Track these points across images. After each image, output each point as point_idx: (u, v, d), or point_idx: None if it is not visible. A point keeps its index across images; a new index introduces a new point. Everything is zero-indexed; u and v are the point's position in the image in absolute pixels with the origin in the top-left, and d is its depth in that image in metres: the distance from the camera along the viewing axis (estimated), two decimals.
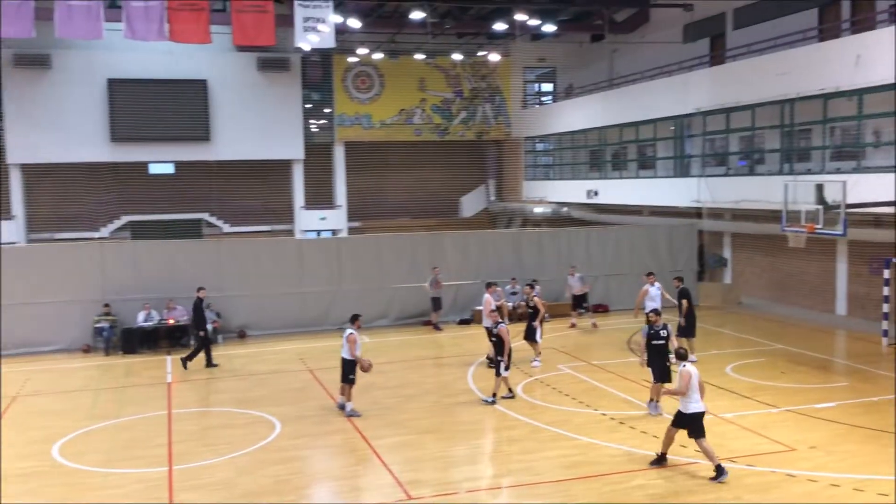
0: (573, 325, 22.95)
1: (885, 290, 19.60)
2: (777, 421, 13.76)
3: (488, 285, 19.85)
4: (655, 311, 14.60)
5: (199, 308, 18.94)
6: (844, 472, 11.30)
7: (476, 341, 20.15)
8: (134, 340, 20.88)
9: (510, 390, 15.52)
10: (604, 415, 14.33)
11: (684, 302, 18.08)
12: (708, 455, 11.19)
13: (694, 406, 11.27)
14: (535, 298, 18.84)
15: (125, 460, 12.52)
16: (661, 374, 14.03)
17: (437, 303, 23.32)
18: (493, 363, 15.83)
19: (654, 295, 19.35)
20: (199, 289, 19.25)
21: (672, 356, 13.49)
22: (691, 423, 11.30)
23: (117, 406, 15.80)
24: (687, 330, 18.05)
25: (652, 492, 10.79)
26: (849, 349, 20.27)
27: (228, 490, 11.17)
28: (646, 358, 14.26)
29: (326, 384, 17.00)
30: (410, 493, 10.88)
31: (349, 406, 14.64)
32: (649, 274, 20.11)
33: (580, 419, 14.09)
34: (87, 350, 21.02)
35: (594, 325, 22.91)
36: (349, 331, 14.66)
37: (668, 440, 11.60)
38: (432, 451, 12.64)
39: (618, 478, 11.32)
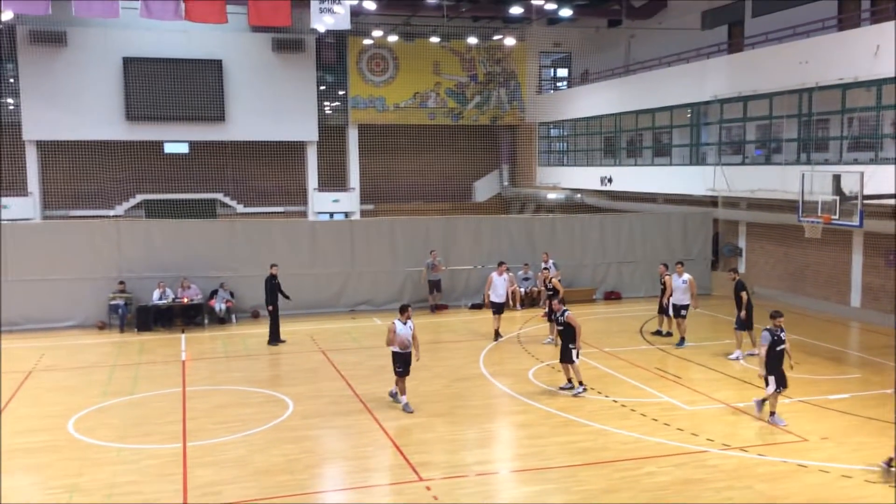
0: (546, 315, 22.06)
1: None
2: (789, 411, 13.73)
3: (499, 265, 20.16)
4: (779, 314, 13.27)
5: (270, 284, 19.31)
6: (856, 463, 11.29)
7: (488, 325, 20.17)
8: (148, 318, 21.05)
9: (570, 381, 14.89)
10: (615, 402, 14.34)
11: (743, 294, 17.37)
12: None
13: None
14: (554, 280, 19.11)
15: (139, 436, 12.64)
16: (783, 379, 13.08)
17: (436, 286, 23.36)
18: (562, 353, 14.86)
19: (678, 286, 18.82)
20: (272, 265, 19.59)
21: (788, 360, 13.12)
22: None
23: (132, 383, 15.95)
24: (747, 323, 17.40)
25: (661, 479, 10.80)
26: (862, 341, 20.18)
27: (241, 467, 11.27)
28: (764, 367, 13.07)
29: (339, 365, 17.10)
30: (421, 475, 10.95)
31: (402, 399, 13.98)
32: (679, 263, 19.63)
33: (591, 406, 14.11)
34: (102, 327, 21.20)
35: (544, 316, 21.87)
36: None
37: None
38: (443, 434, 12.70)
39: (627, 464, 11.34)
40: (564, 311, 14.88)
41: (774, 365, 12.99)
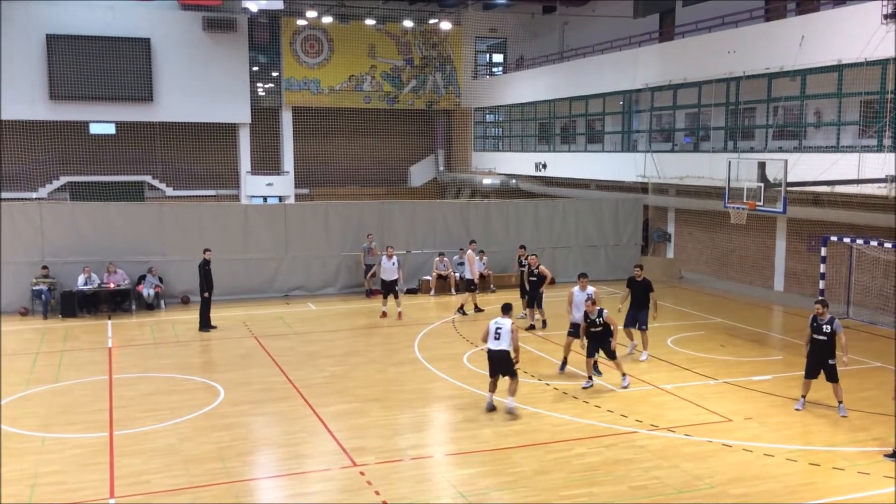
0: (385, 315, 20.53)
1: (822, 268, 20.18)
2: (714, 392, 14.13)
3: (471, 243, 22.12)
4: (823, 303, 12.85)
5: (204, 269, 18.79)
6: (778, 442, 11.67)
7: (423, 310, 20.21)
8: (73, 304, 20.44)
9: (624, 375, 14.38)
10: (548, 385, 14.53)
11: (652, 295, 16.32)
12: None
13: None
14: (541, 267, 19.10)
15: (64, 425, 12.30)
16: (814, 371, 12.83)
17: (370, 270, 23.27)
18: (607, 352, 14.33)
19: (578, 302, 15.15)
20: (206, 250, 19.09)
21: (840, 355, 12.64)
22: None
23: (56, 370, 15.49)
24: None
25: (591, 460, 10.99)
26: (785, 324, 20.84)
27: (170, 456, 11.06)
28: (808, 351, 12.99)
29: (272, 351, 16.91)
30: (355, 460, 10.92)
31: (510, 402, 12.88)
32: (582, 276, 15.85)
33: (525, 389, 14.22)
34: (25, 313, 20.53)
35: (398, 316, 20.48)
36: (510, 322, 12.86)
37: None
38: (377, 419, 12.67)
39: (559, 446, 11.50)
40: (601, 310, 14.21)
41: (812, 354, 12.82)
